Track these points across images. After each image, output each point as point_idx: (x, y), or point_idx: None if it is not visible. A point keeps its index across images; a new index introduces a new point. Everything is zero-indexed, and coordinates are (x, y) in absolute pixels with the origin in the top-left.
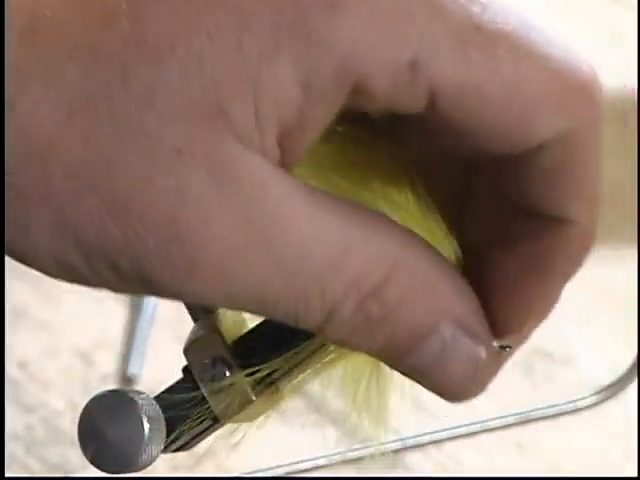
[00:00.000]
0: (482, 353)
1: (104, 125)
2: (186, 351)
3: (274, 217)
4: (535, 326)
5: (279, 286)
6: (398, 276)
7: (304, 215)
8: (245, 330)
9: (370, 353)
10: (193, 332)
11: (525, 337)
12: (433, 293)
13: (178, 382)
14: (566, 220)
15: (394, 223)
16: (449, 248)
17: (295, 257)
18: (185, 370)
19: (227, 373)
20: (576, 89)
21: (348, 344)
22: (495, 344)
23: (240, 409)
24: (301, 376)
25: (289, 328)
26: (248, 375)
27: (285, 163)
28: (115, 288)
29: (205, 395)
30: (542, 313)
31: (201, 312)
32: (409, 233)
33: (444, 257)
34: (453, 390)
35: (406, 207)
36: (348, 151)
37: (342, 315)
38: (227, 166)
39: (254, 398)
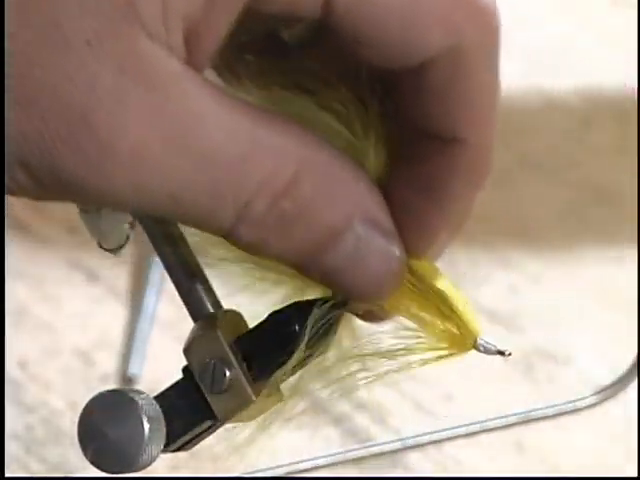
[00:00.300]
0: (395, 249)
1: (16, 18)
2: (186, 351)
3: (183, 110)
4: (441, 247)
5: (190, 179)
6: (308, 174)
7: (213, 111)
8: (245, 330)
9: (285, 258)
10: (193, 332)
11: (434, 256)
12: (344, 190)
13: (178, 382)
14: (460, 140)
15: (302, 127)
16: (370, 157)
17: (205, 150)
18: (185, 370)
19: (227, 373)
20: (467, 6)
21: (262, 248)
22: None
23: (240, 409)
24: (301, 376)
25: (289, 328)
26: (248, 375)
27: (192, 63)
28: (31, 193)
29: (205, 395)
30: (445, 235)
31: (201, 312)
32: (317, 137)
33: (353, 161)
34: (368, 288)
35: (327, 118)
36: (269, 73)
37: (255, 211)
38: (136, 59)
39: (254, 398)
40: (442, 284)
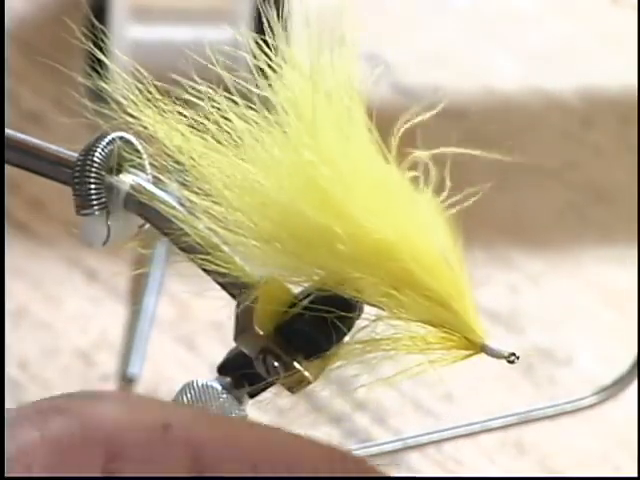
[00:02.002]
0: None
1: None
2: (236, 340)
3: None
4: None
5: None
6: None
7: None
8: (287, 295)
9: None
10: (236, 320)
11: None
12: None
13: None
14: None
15: None
16: None
17: None
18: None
19: (276, 364)
20: None
21: None
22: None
23: (299, 387)
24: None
25: (320, 322)
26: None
27: None
28: None
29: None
30: None
31: (238, 295)
32: None
33: None
34: None
35: None
36: None
37: None
38: None
39: (312, 379)
40: (452, 286)
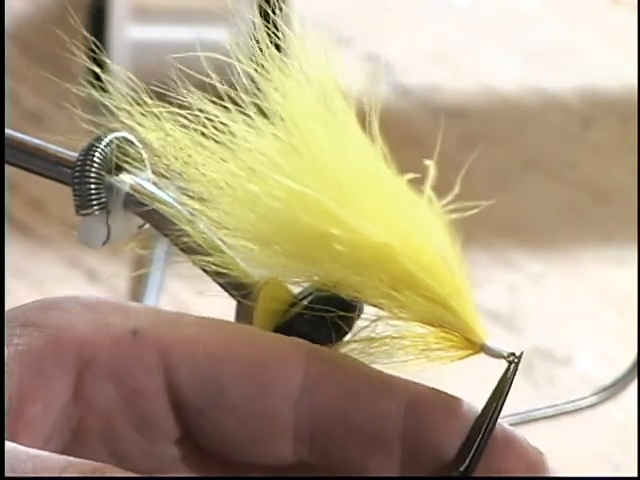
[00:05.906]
0: None
1: None
2: None
3: None
4: None
5: None
6: None
7: None
8: (288, 295)
9: None
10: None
11: None
12: None
13: None
14: None
15: None
16: None
17: None
18: None
19: None
20: None
21: None
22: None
23: None
24: None
25: (319, 322)
26: None
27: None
28: None
29: None
30: None
31: (241, 295)
32: None
33: None
34: None
35: None
36: None
37: None
38: None
39: None
40: (452, 286)
